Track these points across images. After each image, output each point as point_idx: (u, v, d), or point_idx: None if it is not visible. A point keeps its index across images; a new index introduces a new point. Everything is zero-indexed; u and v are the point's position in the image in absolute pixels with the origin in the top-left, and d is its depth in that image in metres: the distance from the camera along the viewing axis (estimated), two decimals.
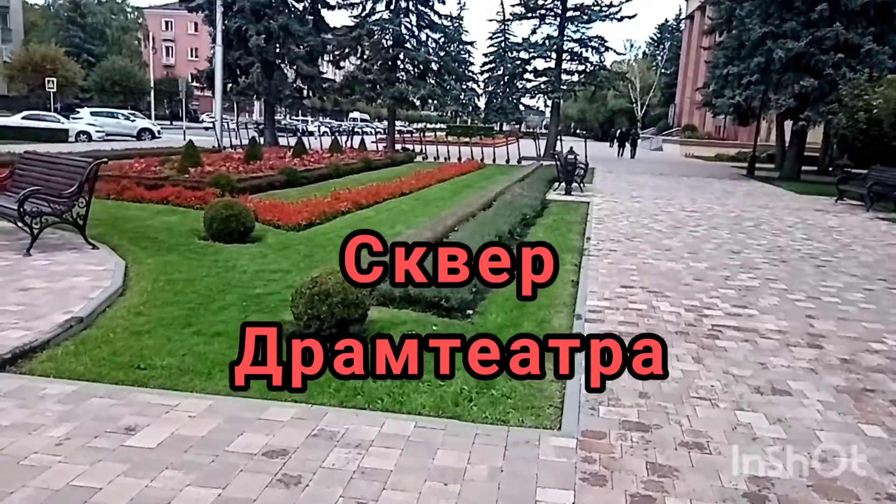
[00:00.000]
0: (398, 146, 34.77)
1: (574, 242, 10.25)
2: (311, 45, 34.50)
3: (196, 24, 69.03)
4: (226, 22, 32.70)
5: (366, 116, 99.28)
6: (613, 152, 46.80)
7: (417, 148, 33.86)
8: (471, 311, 6.31)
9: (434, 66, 36.08)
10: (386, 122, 41.38)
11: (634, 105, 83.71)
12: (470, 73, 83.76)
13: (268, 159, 20.14)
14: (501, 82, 75.95)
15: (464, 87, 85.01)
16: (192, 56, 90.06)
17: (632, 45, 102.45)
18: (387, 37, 34.72)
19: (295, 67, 35.15)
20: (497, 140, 41.61)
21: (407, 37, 35.39)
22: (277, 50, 34.08)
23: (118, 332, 5.05)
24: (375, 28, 34.47)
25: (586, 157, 27.02)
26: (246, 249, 8.33)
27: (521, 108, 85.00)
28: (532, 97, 41.62)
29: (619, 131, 51.69)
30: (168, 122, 61.96)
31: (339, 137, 30.59)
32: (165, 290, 6.24)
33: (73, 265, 6.98)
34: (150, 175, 14.59)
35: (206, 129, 31.78)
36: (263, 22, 33.07)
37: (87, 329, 5.16)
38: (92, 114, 38.71)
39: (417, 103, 35.13)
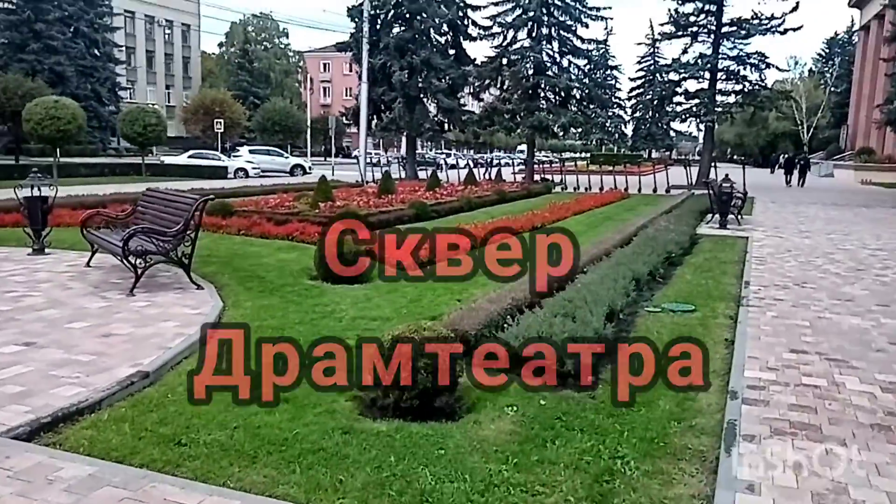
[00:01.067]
0: (537, 177, 33.84)
1: (729, 288, 8.71)
2: (452, 78, 34.66)
3: (351, 64, 72.91)
4: (371, 59, 33.70)
5: (522, 148, 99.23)
6: (776, 179, 42.79)
7: (558, 178, 32.73)
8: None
9: (576, 93, 34.90)
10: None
11: (800, 127, 76.87)
12: (616, 100, 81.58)
13: (401, 193, 19.96)
14: (650, 107, 73.09)
15: (609, 113, 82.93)
16: (346, 95, 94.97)
17: (796, 62, 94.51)
18: (527, 65, 34.12)
19: (436, 101, 35.43)
20: (644, 168, 39.37)
21: (549, 64, 34.60)
22: (420, 84, 34.54)
23: (177, 393, 4.46)
24: (516, 57, 33.99)
25: (744, 184, 24.53)
26: (351, 291, 7.70)
27: (672, 133, 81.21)
28: (683, 121, 38.98)
29: (785, 157, 47.13)
30: (322, 159, 65.27)
31: (476, 170, 30.24)
32: (250, 340, 5.65)
33: (169, 308, 6.64)
34: (282, 210, 14.66)
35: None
36: (407, 57, 33.70)
37: (150, 386, 4.62)
38: (250, 152, 41.26)
39: (558, 132, 34.05)
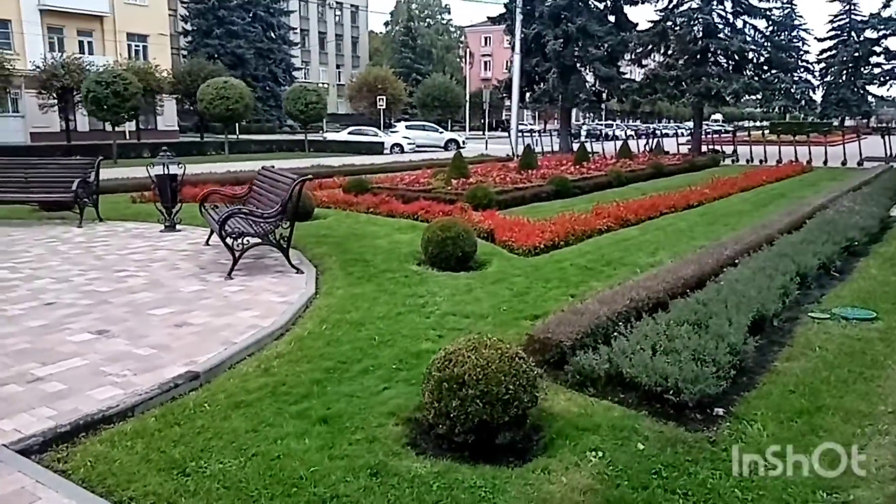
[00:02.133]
0: (706, 148, 30.97)
1: None
2: (610, 45, 32.52)
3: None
4: (524, 30, 32.45)
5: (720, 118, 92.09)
6: None
7: (730, 149, 29.72)
8: (720, 411, 4.02)
9: (752, 57, 31.36)
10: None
11: None
12: (803, 63, 73.27)
13: (546, 167, 18.87)
14: (842, 69, 64.92)
15: (795, 78, 74.70)
16: (505, 68, 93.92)
17: None
18: (696, 28, 31.11)
19: (593, 70, 33.50)
20: (832, 138, 34.73)
21: (720, 25, 31.34)
22: (575, 53, 32.78)
23: (216, 402, 3.97)
24: (683, 19, 31.11)
25: None
26: (454, 280, 6.95)
27: (870, 98, 71.68)
28: (882, 84, 33.93)
29: None
30: (480, 133, 64.99)
31: (638, 141, 28.17)
32: (322, 337, 5.11)
33: (259, 294, 6.30)
34: (414, 187, 14.23)
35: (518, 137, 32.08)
36: (562, 26, 32.06)
37: (195, 390, 4.19)
38: (406, 127, 41.79)
39: (729, 99, 30.81)
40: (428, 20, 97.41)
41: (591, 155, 27.02)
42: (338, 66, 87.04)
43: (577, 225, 9.87)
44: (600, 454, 3.42)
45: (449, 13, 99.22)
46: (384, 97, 54.22)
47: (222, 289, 6.48)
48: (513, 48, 33.30)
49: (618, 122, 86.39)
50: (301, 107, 31.75)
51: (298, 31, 77.84)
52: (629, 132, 54.33)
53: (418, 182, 14.84)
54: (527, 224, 9.77)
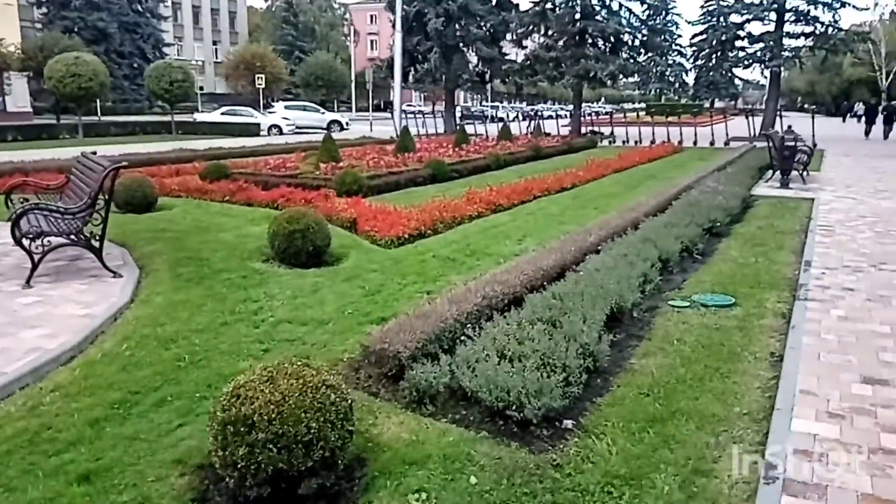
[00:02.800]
0: (586, 129, 31.55)
1: (783, 270, 6.90)
2: (492, 25, 32.38)
3: None
4: (405, 7, 31.68)
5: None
6: (850, 129, 39.11)
7: (608, 131, 30.39)
8: (569, 424, 3.60)
9: (627, 39, 32.16)
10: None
11: (878, 73, 70.97)
12: (677, 47, 76.72)
13: (425, 150, 18.32)
14: (711, 53, 68.46)
15: (669, 62, 78.22)
16: (390, 48, 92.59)
17: (876, 2, 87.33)
18: (574, 9, 31.47)
19: (475, 50, 33.25)
20: (701, 119, 36.35)
21: (597, 8, 31.85)
22: (458, 32, 32.35)
23: None
24: (562, 0, 31.38)
25: (813, 136, 21.95)
26: (301, 278, 6.25)
27: (736, 81, 76.07)
28: (746, 67, 35.69)
29: (865, 105, 41.86)
30: (366, 114, 63.62)
31: (517, 123, 28.22)
32: (119, 359, 4.28)
33: (59, 305, 5.33)
34: (278, 173, 13.28)
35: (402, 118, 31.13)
36: (443, 4, 31.51)
37: None
38: (286, 108, 40.05)
39: (606, 80, 31.46)
40: None
41: (472, 137, 26.88)
42: (214, 43, 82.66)
43: (446, 212, 9.37)
44: (424, 496, 2.88)
45: None
46: (263, 76, 51.91)
47: (14, 301, 5.45)
48: (394, 26, 32.49)
49: (504, 103, 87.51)
50: (165, 85, 29.52)
51: (170, 4, 73.16)
52: (513, 114, 54.99)
53: (284, 167, 13.87)
54: (393, 212, 9.17)
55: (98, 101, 35.40)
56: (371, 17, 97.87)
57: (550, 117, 38.39)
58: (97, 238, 6.10)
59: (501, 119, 44.03)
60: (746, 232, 8.90)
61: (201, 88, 75.39)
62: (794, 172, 13.89)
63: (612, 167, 16.44)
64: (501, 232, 8.68)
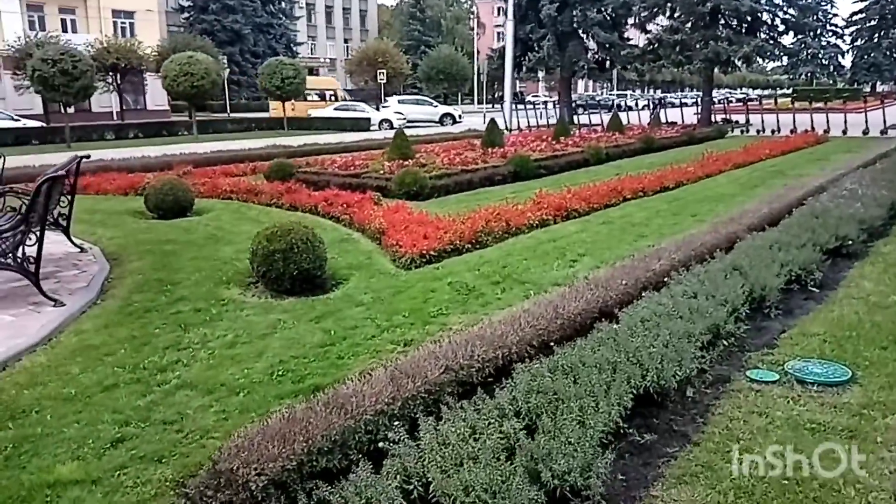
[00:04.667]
0: (720, 118, 28.37)
1: None
2: (612, 9, 29.90)
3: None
4: None
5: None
6: None
7: (744, 119, 27.12)
8: None
9: (765, 18, 28.55)
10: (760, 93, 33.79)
11: None
12: (832, 27, 69.09)
13: (518, 144, 16.71)
14: (875, 32, 60.98)
15: (823, 43, 70.54)
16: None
17: None
18: None
19: (593, 36, 30.90)
20: (852, 105, 31.64)
21: None
22: (574, 18, 30.14)
23: None
24: None
25: None
26: (264, 314, 4.99)
27: None
28: None
29: None
30: (490, 106, 62.34)
31: (633, 112, 25.75)
32: None
33: None
34: (342, 172, 12.22)
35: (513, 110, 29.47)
36: None
37: None
38: (399, 102, 39.57)
39: (739, 64, 28.08)
40: None
41: (579, 128, 24.76)
42: (346, 41, 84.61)
43: (500, 220, 7.81)
44: None
45: None
46: (384, 71, 52.12)
47: None
48: (506, 14, 30.91)
49: (635, 91, 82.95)
50: (277, 82, 29.67)
51: (304, 4, 75.66)
52: (642, 102, 51.54)
53: (353, 165, 12.79)
54: (432, 221, 7.74)
55: (214, 98, 36.37)
56: (497, 9, 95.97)
57: (678, 104, 35.11)
58: (32, 261, 5.11)
59: (628, 108, 41.09)
60: (890, 252, 6.65)
61: None
62: None
63: (733, 162, 14.00)
64: (557, 248, 6.99)
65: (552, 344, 3.90)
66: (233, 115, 43.42)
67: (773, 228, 6.73)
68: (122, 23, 45.45)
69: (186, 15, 58.97)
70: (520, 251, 6.89)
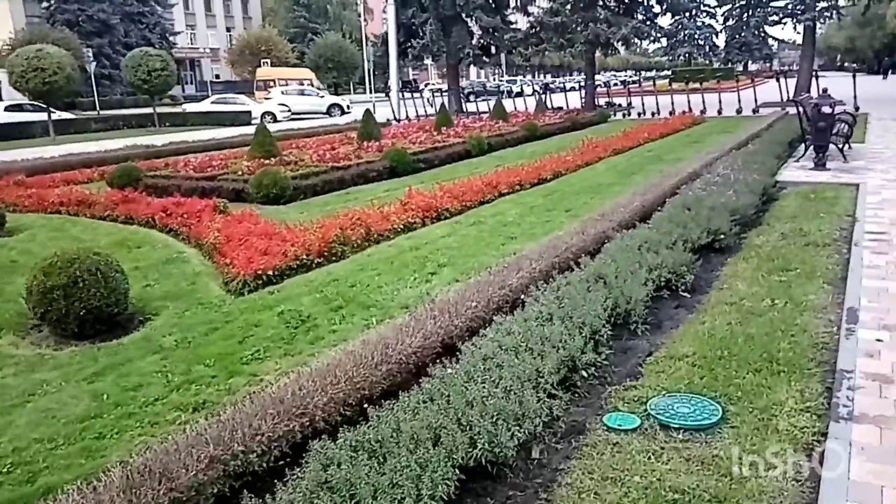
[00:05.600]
0: (603, 101, 28.64)
1: (811, 325, 4.34)
2: None
3: None
4: None
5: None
6: (893, 88, 35.28)
7: (630, 101, 27.46)
8: None
9: None
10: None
11: None
12: (705, 7, 72.16)
13: (398, 136, 15.92)
14: (744, 13, 63.95)
15: (698, 24, 73.63)
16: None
17: None
18: None
19: (477, 20, 30.47)
20: (726, 84, 32.88)
21: None
22: (456, 2, 29.53)
23: None
24: None
25: (855, 100, 18.94)
26: (36, 371, 3.97)
27: (770, 42, 71.45)
28: (777, 23, 32.26)
29: None
30: (384, 95, 61.08)
31: (520, 98, 25.51)
32: None
33: None
34: (196, 174, 11.03)
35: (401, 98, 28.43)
36: None
37: None
38: (283, 93, 37.84)
39: (618, 46, 28.46)
40: None
41: (467, 115, 24.31)
42: (228, 29, 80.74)
43: (357, 227, 7.01)
44: None
45: None
46: (268, 60, 50.02)
47: None
48: None
49: (526, 77, 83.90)
50: (143, 75, 27.43)
51: None
52: (532, 88, 51.84)
53: (210, 166, 11.59)
54: (277, 232, 6.83)
55: (74, 95, 33.41)
56: None
57: (564, 90, 35.32)
58: None
59: (520, 94, 41.05)
60: (764, 244, 6.33)
61: (217, 77, 74.11)
62: (833, 147, 11.11)
63: (612, 148, 13.78)
64: (418, 258, 6.26)
65: (376, 398, 3.16)
66: (104, 112, 40.22)
67: (643, 225, 6.27)
68: None
69: (46, 4, 54.25)
70: (375, 264, 6.11)
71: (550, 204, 8.70)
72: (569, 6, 28.49)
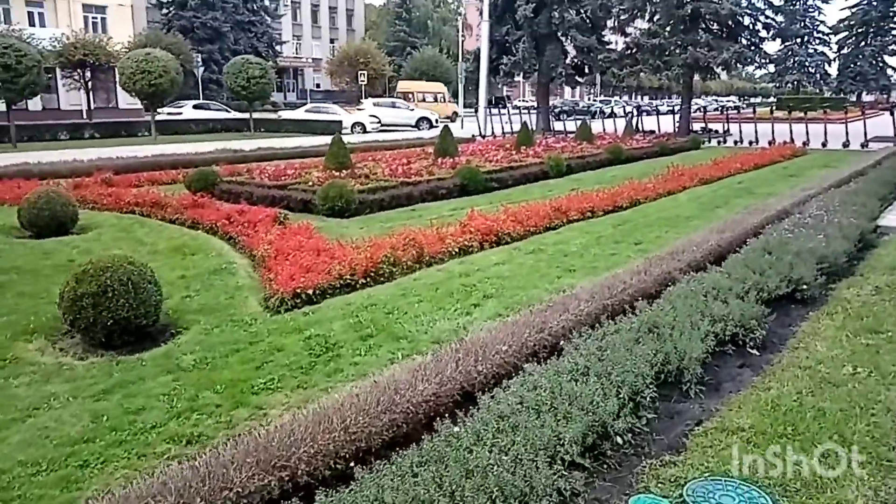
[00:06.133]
0: (699, 126, 27.44)
1: None
2: (590, 10, 28.90)
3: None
4: None
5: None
6: None
7: (728, 128, 26.23)
8: None
9: (747, 22, 27.67)
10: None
11: None
12: (819, 34, 68.52)
13: (477, 153, 15.68)
14: (861, 40, 60.31)
15: (810, 50, 69.95)
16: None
17: None
18: None
19: (570, 38, 29.90)
20: (833, 115, 30.67)
21: None
22: (552, 20, 29.09)
23: None
24: None
25: None
26: (49, 383, 3.90)
27: (889, 72, 66.92)
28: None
29: None
30: (472, 111, 61.23)
31: (611, 120, 24.77)
32: None
33: None
34: (268, 182, 11.13)
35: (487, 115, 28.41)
36: None
37: None
38: (374, 104, 38.44)
39: (718, 70, 27.19)
40: None
41: (554, 134, 23.84)
42: (332, 41, 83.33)
43: (409, 248, 6.77)
44: None
45: None
46: (365, 72, 51.08)
47: None
48: (481, 14, 29.94)
49: (624, 98, 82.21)
50: (242, 82, 28.47)
51: (289, 2, 74.51)
52: (628, 109, 50.56)
53: (285, 174, 11.70)
54: (327, 248, 6.67)
55: (179, 97, 35.33)
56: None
57: (658, 112, 34.09)
58: None
59: (614, 115, 40.04)
60: (853, 298, 5.62)
61: (318, 86, 76.58)
62: None
63: (699, 177, 13.00)
64: (465, 286, 5.94)
65: (376, 450, 2.86)
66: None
67: (714, 268, 5.70)
68: (94, 17, 44.19)
69: (165, 11, 57.58)
70: (420, 290, 5.83)
71: (620, 235, 8.18)
72: (668, 28, 27.51)
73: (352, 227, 8.73)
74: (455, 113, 41.09)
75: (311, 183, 10.72)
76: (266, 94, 30.67)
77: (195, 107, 36.87)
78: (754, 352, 4.56)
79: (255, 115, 31.02)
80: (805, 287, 5.54)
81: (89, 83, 35.32)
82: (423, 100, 46.99)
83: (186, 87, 44.60)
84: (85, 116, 36.33)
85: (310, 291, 5.48)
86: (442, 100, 49.25)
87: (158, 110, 27.78)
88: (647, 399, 3.55)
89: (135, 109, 42.70)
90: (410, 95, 46.85)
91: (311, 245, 6.71)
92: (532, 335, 4.05)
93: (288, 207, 9.98)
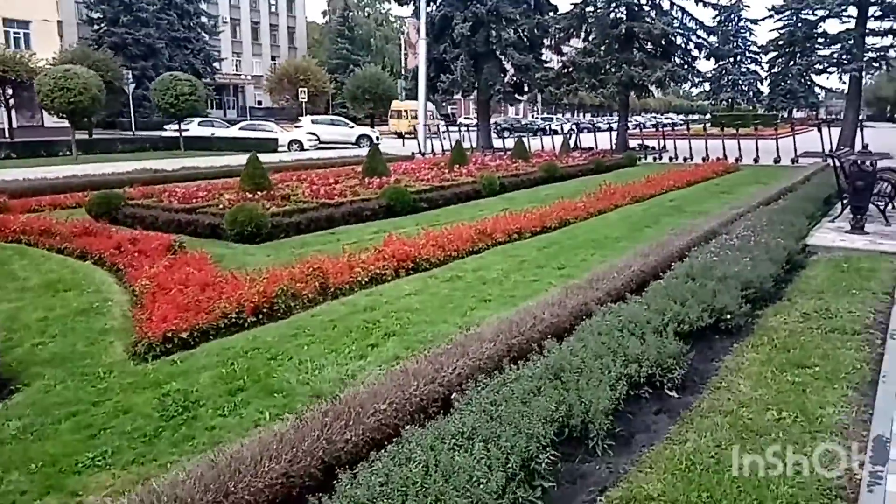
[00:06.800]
0: (635, 143, 27.63)
1: (828, 441, 3.32)
2: (527, 29, 28.93)
3: None
4: (430, 11, 28.84)
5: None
6: None
7: (663, 144, 26.45)
8: None
9: (679, 42, 28.09)
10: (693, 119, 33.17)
11: None
12: (750, 54, 70.85)
13: (406, 171, 15.19)
14: (789, 59, 62.44)
15: (743, 69, 72.21)
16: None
17: None
18: (618, 9, 27.72)
19: (509, 57, 29.87)
20: (763, 131, 31.32)
21: (646, 8, 27.93)
22: (490, 38, 29.00)
23: None
24: (604, 1, 27.69)
25: None
26: None
27: (817, 90, 69.55)
28: (821, 72, 30.87)
29: None
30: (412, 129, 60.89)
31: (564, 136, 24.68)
32: None
33: None
34: (177, 206, 10.36)
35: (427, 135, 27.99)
36: (471, 7, 28.33)
37: None
38: (312, 122, 37.67)
39: (653, 89, 27.50)
40: (367, 9, 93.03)
41: (494, 152, 23.60)
42: (273, 58, 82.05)
43: (313, 279, 6.17)
44: None
45: (390, 2, 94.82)
46: (305, 89, 50.25)
47: None
48: (419, 32, 29.65)
49: (566, 115, 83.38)
50: (171, 99, 27.43)
51: (228, 19, 73.16)
52: (567, 126, 51.00)
53: (196, 196, 10.93)
54: (217, 281, 6.01)
55: (108, 115, 33.98)
56: None
57: (596, 129, 34.30)
58: None
59: (554, 132, 40.15)
60: (780, 327, 5.28)
61: (259, 103, 75.16)
62: (874, 208, 9.96)
63: (632, 195, 12.78)
64: (368, 322, 5.37)
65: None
66: (139, 133, 40.79)
67: (635, 298, 5.29)
68: (16, 33, 42.40)
69: (96, 27, 55.65)
70: (315, 328, 5.23)
71: (544, 259, 7.75)
72: (603, 47, 27.72)
73: (259, 254, 8.08)
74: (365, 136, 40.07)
75: (221, 206, 10.01)
76: (196, 111, 29.60)
77: (200, 124, 37.76)
78: (673, 394, 4.13)
79: (188, 134, 29.96)
80: (729, 317, 5.16)
81: (10, 101, 33.54)
82: (415, 117, 46.74)
83: (117, 105, 43.02)
84: (7, 135, 34.52)
85: (184, 335, 4.83)
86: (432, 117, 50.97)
87: (184, 126, 26.79)
88: (543, 465, 3.04)
89: (62, 128, 40.83)
90: (404, 113, 47.36)
91: (198, 278, 6.03)
92: (421, 387, 3.51)
93: (196, 233, 9.28)
